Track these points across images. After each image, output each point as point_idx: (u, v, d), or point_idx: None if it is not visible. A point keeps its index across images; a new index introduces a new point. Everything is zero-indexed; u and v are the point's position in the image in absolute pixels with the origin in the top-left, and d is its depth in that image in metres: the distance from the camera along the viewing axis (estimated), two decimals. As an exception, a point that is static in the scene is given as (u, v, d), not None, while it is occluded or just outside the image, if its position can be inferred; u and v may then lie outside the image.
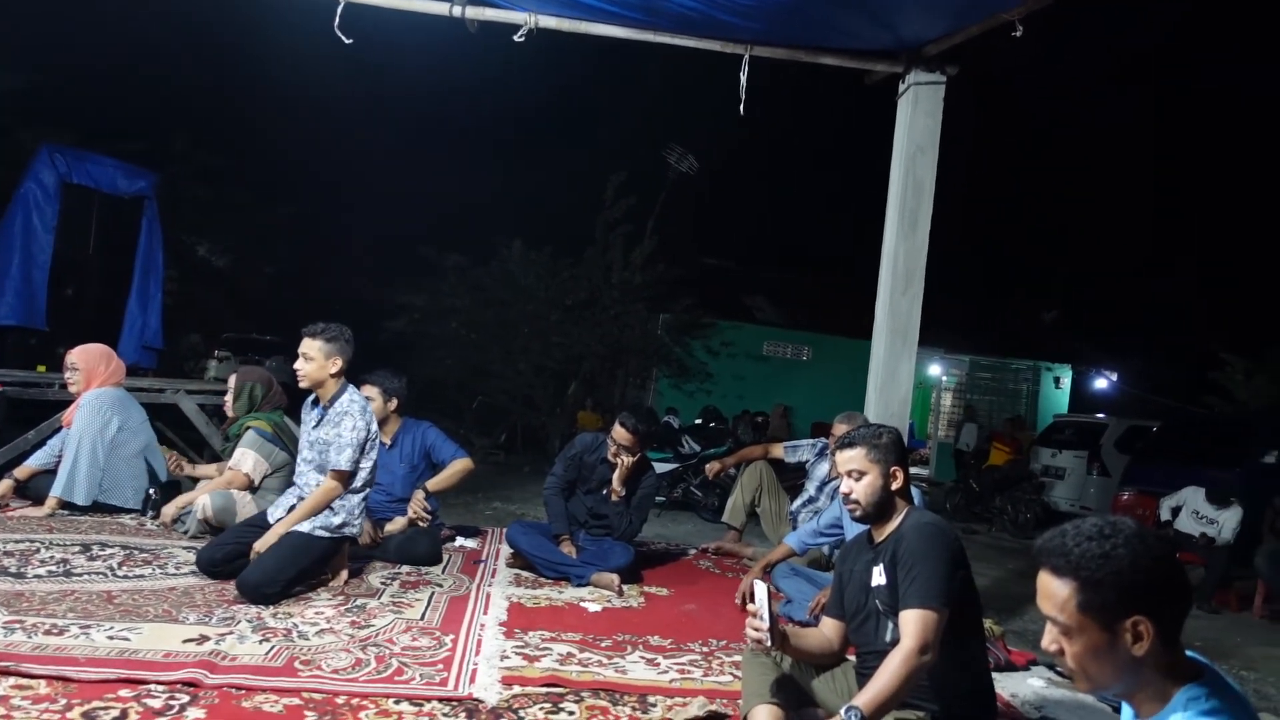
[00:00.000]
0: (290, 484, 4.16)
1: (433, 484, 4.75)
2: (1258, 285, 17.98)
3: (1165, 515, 7.34)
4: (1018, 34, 4.26)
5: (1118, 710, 3.06)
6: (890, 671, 2.22)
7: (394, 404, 4.86)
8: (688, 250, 15.44)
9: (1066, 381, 17.97)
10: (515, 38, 4.85)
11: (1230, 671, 4.84)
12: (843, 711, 2.15)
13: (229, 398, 4.88)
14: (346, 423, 3.82)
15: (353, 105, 15.60)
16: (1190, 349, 17.17)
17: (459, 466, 4.84)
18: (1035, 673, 3.62)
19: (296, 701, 2.60)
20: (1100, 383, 18.96)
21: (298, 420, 4.30)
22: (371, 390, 4.75)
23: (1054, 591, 1.48)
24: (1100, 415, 13.24)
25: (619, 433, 4.60)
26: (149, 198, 7.86)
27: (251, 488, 4.54)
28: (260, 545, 3.68)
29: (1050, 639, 1.52)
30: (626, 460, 4.61)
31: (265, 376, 4.94)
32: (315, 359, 3.81)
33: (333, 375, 3.85)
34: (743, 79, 5.08)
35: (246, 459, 4.55)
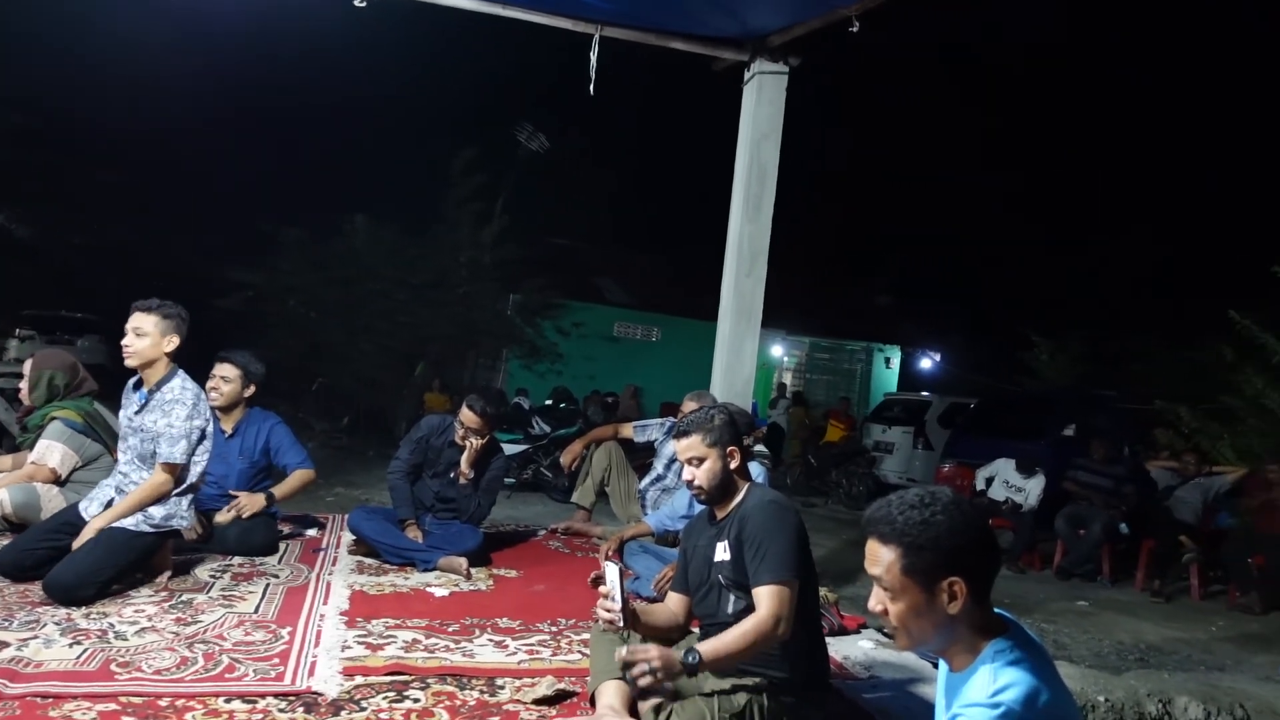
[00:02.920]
0: (105, 475, 3.84)
1: (279, 492, 4.50)
2: (1062, 271, 19.73)
3: (980, 485, 7.97)
4: (855, 29, 4.46)
5: (936, 665, 3.31)
6: (741, 632, 2.33)
7: (251, 390, 4.53)
8: (538, 230, 15.33)
9: (896, 361, 19.14)
10: (356, 2, 4.64)
11: (1033, 625, 5.31)
12: (684, 653, 2.26)
13: (24, 385, 4.39)
14: (179, 411, 3.53)
15: (184, 71, 14.41)
16: (1004, 331, 18.63)
17: (304, 478, 4.59)
18: (865, 635, 3.85)
19: (113, 707, 2.42)
20: (925, 363, 20.30)
21: (113, 407, 3.96)
22: (230, 371, 4.43)
23: (880, 556, 1.59)
24: (925, 393, 14.19)
25: (467, 416, 4.52)
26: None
27: (58, 481, 4.14)
28: (78, 544, 3.37)
29: (876, 600, 1.62)
30: (475, 442, 4.54)
31: (68, 363, 4.43)
32: (150, 335, 3.50)
33: (166, 355, 3.56)
34: (593, 58, 5.07)
35: (53, 453, 4.10)
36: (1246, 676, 4.64)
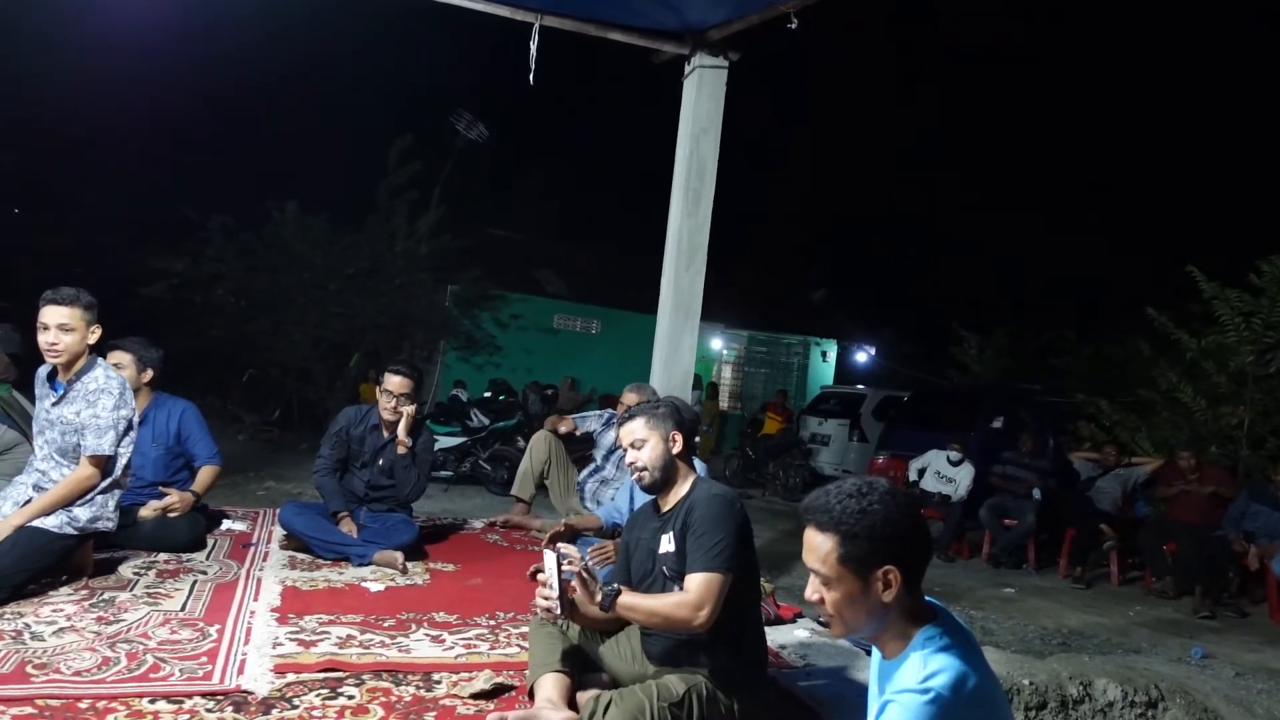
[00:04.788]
0: (22, 465, 3.68)
1: (199, 489, 4.40)
2: (989, 267, 20.31)
3: (913, 476, 8.17)
4: (793, 25, 4.51)
5: (869, 653, 3.39)
6: (663, 601, 2.39)
7: (148, 375, 4.41)
8: (475, 221, 15.15)
9: (832, 355, 19.45)
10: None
11: (961, 611, 5.48)
12: (606, 587, 2.38)
13: (-61, 372, 4.22)
14: (105, 401, 3.39)
15: (102, 48, 13.76)
16: (935, 326, 19.09)
17: (214, 474, 4.49)
18: (800, 624, 3.92)
19: (29, 710, 2.32)
20: (861, 356, 20.68)
21: (28, 396, 3.80)
22: (123, 357, 4.28)
23: (817, 545, 1.61)
24: (860, 386, 14.45)
25: (396, 382, 4.48)
26: None
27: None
28: None
29: (812, 589, 1.65)
30: (408, 410, 4.50)
31: None
32: (77, 330, 3.33)
33: (90, 346, 3.41)
34: (532, 48, 5.02)
35: (-36, 440, 3.96)
36: (1161, 658, 4.87)
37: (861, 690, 2.96)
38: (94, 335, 3.42)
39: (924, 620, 1.64)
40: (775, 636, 3.58)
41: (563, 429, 5.47)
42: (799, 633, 3.79)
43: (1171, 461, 7.34)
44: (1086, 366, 12.06)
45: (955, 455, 7.90)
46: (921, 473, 8.14)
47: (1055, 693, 3.35)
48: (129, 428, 3.53)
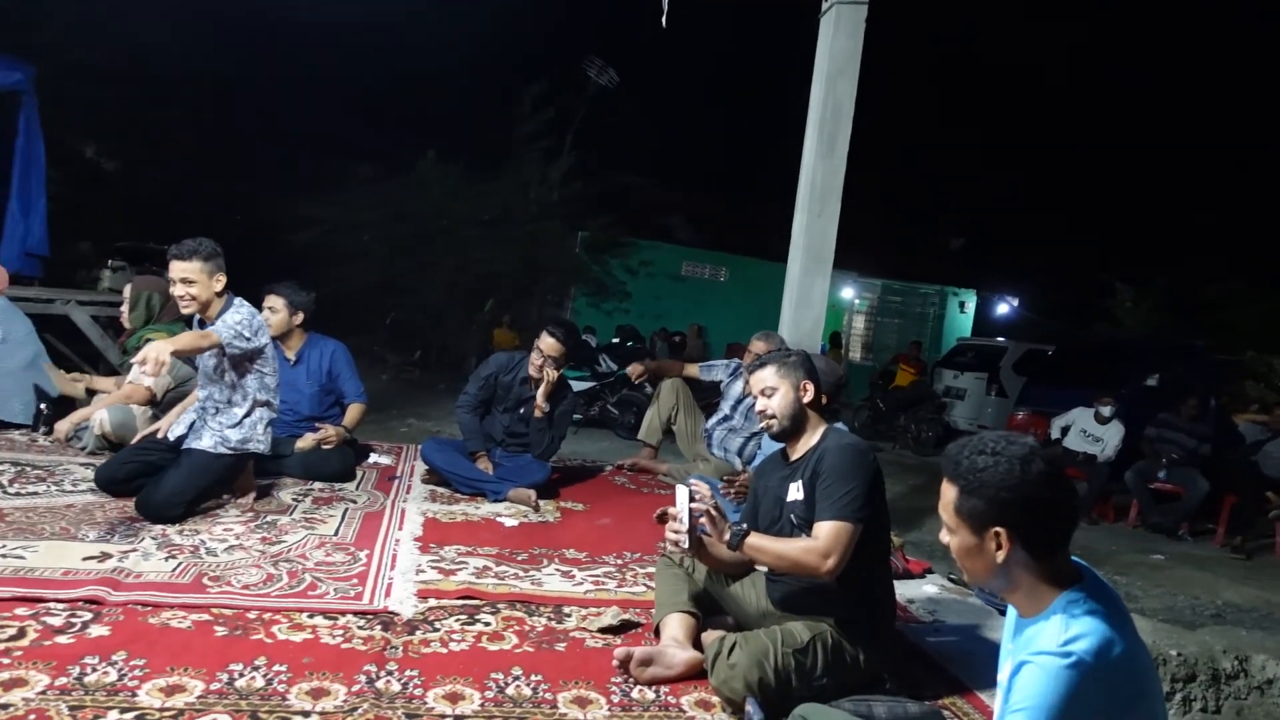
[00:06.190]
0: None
1: (349, 424, 4.69)
2: (1149, 218, 18.83)
3: (1055, 433, 7.79)
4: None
5: (1002, 613, 3.29)
6: (791, 545, 2.39)
7: (299, 317, 4.70)
8: (607, 167, 15.22)
9: (971, 306, 18.63)
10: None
11: (1104, 577, 5.23)
12: (733, 525, 2.41)
13: (125, 308, 4.66)
14: (232, 318, 3.55)
15: (254, 9, 14.45)
16: (1085, 276, 17.93)
17: (361, 411, 4.78)
18: (930, 580, 3.84)
19: (206, 617, 2.57)
20: (1002, 308, 19.73)
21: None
22: (276, 301, 4.58)
23: (944, 492, 1.64)
24: (1000, 339, 13.81)
25: (548, 343, 4.58)
26: (26, 92, 7.26)
27: (154, 403, 4.36)
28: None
29: (942, 533, 1.68)
30: (551, 373, 4.61)
31: (162, 285, 4.68)
32: (199, 280, 3.53)
33: (217, 294, 3.61)
34: (666, -11, 4.95)
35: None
36: (1329, 637, 4.50)
37: (992, 649, 2.89)
38: (218, 283, 3.57)
39: (1066, 583, 1.57)
40: (903, 591, 3.53)
41: (634, 377, 5.61)
42: (927, 588, 3.72)
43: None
44: (1256, 321, 11.08)
45: (1106, 411, 7.46)
46: (1065, 431, 7.74)
47: (1206, 666, 3.17)
48: (257, 353, 3.68)
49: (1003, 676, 1.65)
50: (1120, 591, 5.00)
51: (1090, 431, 7.53)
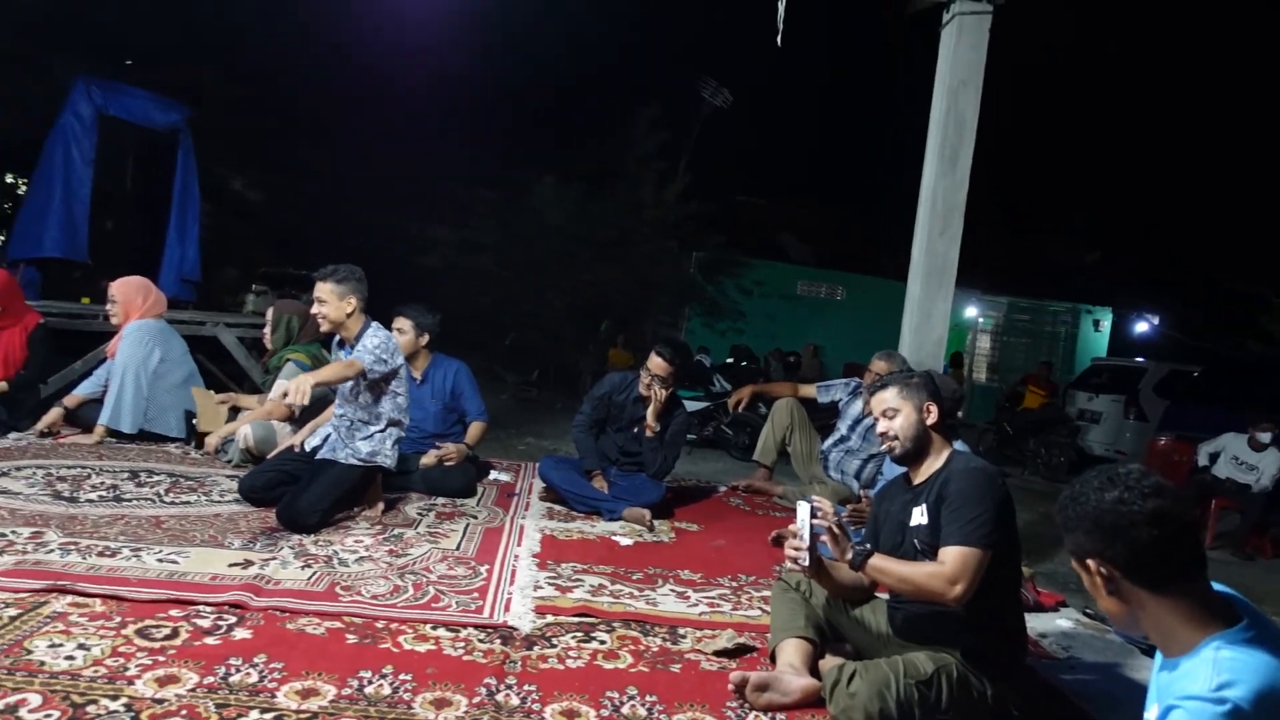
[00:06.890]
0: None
1: (471, 441, 4.83)
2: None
3: (1203, 460, 7.26)
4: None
5: (1145, 652, 3.08)
6: (917, 569, 2.32)
7: (425, 339, 4.89)
8: (721, 187, 15.25)
9: (1106, 324, 17.65)
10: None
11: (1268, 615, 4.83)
12: (855, 544, 2.39)
13: (267, 330, 4.98)
14: (370, 342, 3.78)
15: (378, 39, 15.29)
16: (1231, 292, 16.71)
17: (482, 429, 4.92)
18: (1064, 614, 3.64)
19: (338, 625, 2.69)
20: (1141, 326, 18.61)
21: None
22: (404, 323, 4.79)
23: None
24: (1140, 359, 13.01)
25: (656, 363, 4.61)
26: (183, 130, 7.88)
27: (292, 418, 4.63)
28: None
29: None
30: (661, 393, 4.62)
31: (301, 309, 5.00)
32: (329, 301, 3.80)
33: (349, 315, 3.84)
34: (780, 7, 4.93)
35: (288, 391, 4.63)
36: None
37: (1133, 688, 2.71)
38: (349, 305, 3.81)
39: (1215, 622, 1.46)
40: (1035, 624, 3.36)
41: (732, 407, 5.58)
42: (1061, 622, 3.52)
43: None
44: None
45: (1265, 437, 6.91)
46: (1214, 458, 7.21)
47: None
48: (393, 375, 3.90)
49: (1150, 718, 1.55)
50: None
51: (1244, 459, 6.99)
